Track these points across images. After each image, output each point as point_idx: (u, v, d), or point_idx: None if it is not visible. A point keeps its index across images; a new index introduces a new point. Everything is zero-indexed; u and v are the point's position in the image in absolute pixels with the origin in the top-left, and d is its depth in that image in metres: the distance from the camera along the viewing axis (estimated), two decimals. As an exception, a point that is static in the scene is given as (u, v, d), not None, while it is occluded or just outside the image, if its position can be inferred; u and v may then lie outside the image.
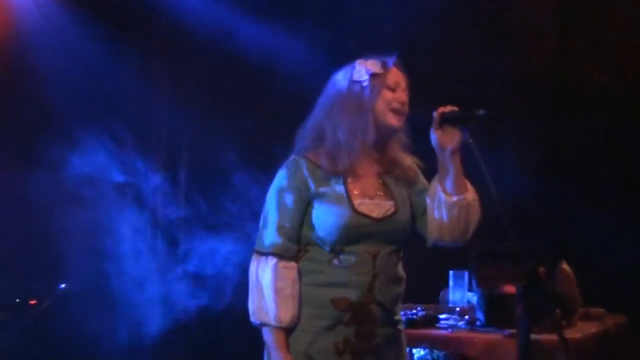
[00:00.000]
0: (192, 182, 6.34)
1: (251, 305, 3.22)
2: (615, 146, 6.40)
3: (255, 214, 4.79)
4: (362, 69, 3.25)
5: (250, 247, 3.32)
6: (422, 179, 3.37)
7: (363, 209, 3.20)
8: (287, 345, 3.19)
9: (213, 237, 5.97)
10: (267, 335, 3.20)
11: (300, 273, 3.23)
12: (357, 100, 3.23)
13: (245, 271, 3.26)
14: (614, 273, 6.09)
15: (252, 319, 3.23)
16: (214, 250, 5.96)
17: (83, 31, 5.83)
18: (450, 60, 6.30)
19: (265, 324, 3.19)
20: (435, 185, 3.27)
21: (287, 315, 3.17)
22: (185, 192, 6.35)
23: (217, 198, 5.94)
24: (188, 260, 6.14)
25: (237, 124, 6.07)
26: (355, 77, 3.25)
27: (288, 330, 3.20)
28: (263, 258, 3.22)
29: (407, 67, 3.33)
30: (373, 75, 3.24)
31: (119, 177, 5.96)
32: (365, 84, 3.24)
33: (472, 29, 6.34)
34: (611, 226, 6.35)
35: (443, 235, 3.27)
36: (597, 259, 6.10)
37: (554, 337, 3.89)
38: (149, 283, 6.12)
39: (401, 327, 3.36)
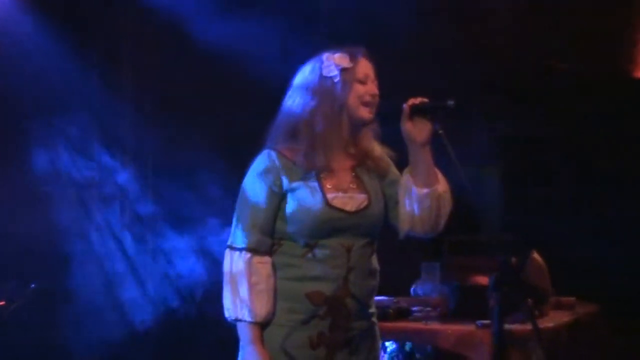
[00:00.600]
0: (159, 180, 6.30)
1: (226, 301, 3.20)
2: (581, 137, 6.44)
3: (223, 210, 4.77)
4: (332, 64, 3.23)
5: (219, 245, 3.29)
6: (393, 169, 3.35)
7: (336, 202, 3.19)
8: (262, 340, 3.18)
9: (181, 235, 5.94)
10: (242, 331, 3.18)
11: (274, 267, 3.21)
12: (329, 96, 3.21)
13: (214, 269, 3.23)
14: (583, 262, 6.13)
15: (227, 314, 3.21)
16: (182, 249, 5.93)
17: (45, 30, 5.77)
18: (414, 51, 6.30)
19: (239, 320, 3.18)
20: (406, 176, 3.26)
21: (262, 310, 3.16)
22: (153, 190, 6.31)
23: (185, 195, 5.91)
24: (157, 258, 6.10)
25: (205, 120, 6.04)
26: (325, 73, 3.23)
27: (263, 325, 3.19)
28: (237, 253, 3.20)
29: (373, 56, 3.31)
30: (343, 70, 3.22)
31: (84, 175, 5.91)
32: (336, 79, 3.22)
33: (436, 17, 6.35)
34: (579, 216, 6.40)
35: (415, 227, 3.26)
36: (565, 248, 6.14)
37: (527, 327, 3.90)
38: (118, 282, 6.08)
39: (375, 319, 3.35)
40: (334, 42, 3.34)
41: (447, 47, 6.34)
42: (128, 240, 6.23)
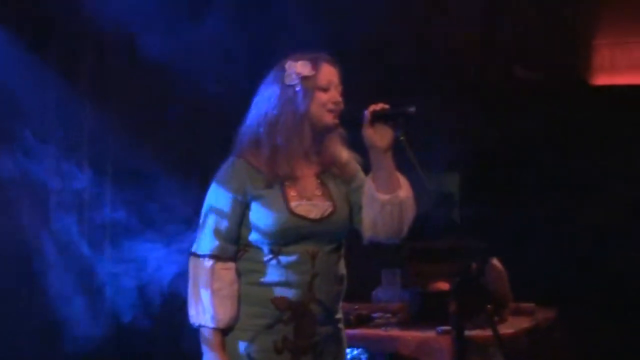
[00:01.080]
0: (118, 187, 6.24)
1: (190, 307, 3.23)
2: (539, 143, 6.49)
3: (184, 218, 4.73)
4: (293, 72, 3.23)
5: (180, 254, 3.30)
6: (360, 175, 3.36)
7: (300, 210, 3.20)
8: (223, 347, 3.20)
9: (141, 244, 5.88)
10: (204, 337, 3.21)
11: (239, 273, 3.23)
12: (291, 105, 3.21)
13: (176, 279, 3.23)
14: (543, 267, 6.17)
15: (191, 321, 3.23)
16: (142, 257, 5.87)
17: (2, 35, 5.71)
18: (375, 55, 6.31)
19: (202, 325, 3.20)
20: (369, 182, 3.27)
21: (224, 316, 3.18)
22: (112, 197, 6.25)
23: (145, 203, 5.86)
24: (116, 266, 6.04)
25: (165, 126, 6.00)
26: (287, 81, 3.23)
27: (226, 331, 3.20)
28: (200, 260, 3.22)
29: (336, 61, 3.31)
30: (304, 78, 3.22)
31: (42, 181, 5.85)
32: (297, 88, 3.22)
33: (400, 23, 6.36)
34: (538, 222, 6.44)
35: (377, 233, 3.27)
36: (524, 253, 6.19)
37: (487, 332, 3.92)
38: (76, 291, 6.01)
39: (342, 325, 3.36)
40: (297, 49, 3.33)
41: (410, 55, 6.36)
42: (85, 248, 6.17)
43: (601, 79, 6.75)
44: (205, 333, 3.20)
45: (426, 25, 6.39)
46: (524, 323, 4.74)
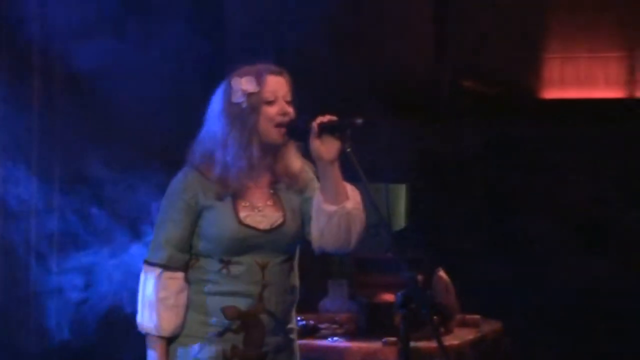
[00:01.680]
0: (66, 195, 6.16)
1: (138, 315, 3.26)
2: (488, 156, 6.53)
3: (132, 228, 4.69)
4: (238, 89, 3.24)
5: (126, 266, 3.30)
6: (313, 184, 3.35)
7: (249, 221, 3.22)
8: (166, 354, 3.23)
9: (89, 254, 5.82)
10: (149, 344, 3.24)
11: (189, 282, 3.24)
12: (237, 122, 3.22)
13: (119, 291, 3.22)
14: (488, 280, 6.21)
15: (139, 328, 3.26)
16: (88, 268, 5.80)
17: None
18: (324, 66, 6.32)
19: (147, 333, 3.23)
20: (317, 194, 3.27)
21: (169, 325, 3.21)
22: (60, 206, 6.17)
23: (93, 212, 5.80)
24: (62, 279, 5.96)
25: (115, 134, 5.94)
26: (233, 99, 3.24)
27: (170, 339, 3.23)
28: (150, 268, 3.24)
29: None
30: (249, 95, 3.23)
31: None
32: (243, 105, 3.22)
33: (348, 34, 6.38)
34: (485, 234, 6.49)
35: (325, 244, 3.27)
36: (470, 265, 6.22)
37: (433, 344, 3.94)
38: (19, 304, 5.91)
39: (294, 336, 3.37)
40: (242, 59, 3.33)
41: (358, 65, 6.38)
42: (32, 261, 6.08)
43: (551, 93, 6.82)
44: (150, 341, 3.23)
45: (378, 38, 6.43)
46: (469, 334, 4.77)
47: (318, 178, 3.31)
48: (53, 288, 5.89)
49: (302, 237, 3.31)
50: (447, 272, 4.98)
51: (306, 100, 3.33)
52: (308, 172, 3.36)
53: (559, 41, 6.81)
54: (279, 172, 3.31)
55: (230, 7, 6.52)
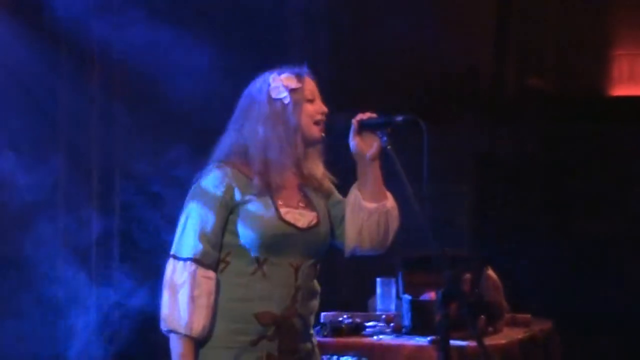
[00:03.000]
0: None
1: (163, 311, 3.15)
2: (552, 155, 6.47)
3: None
4: (280, 86, 3.22)
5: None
6: (336, 192, 3.36)
7: (289, 217, 3.19)
8: (194, 357, 3.14)
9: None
10: (174, 344, 3.14)
11: (218, 285, 3.17)
12: (281, 118, 3.20)
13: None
14: (542, 279, 6.16)
15: (162, 325, 3.16)
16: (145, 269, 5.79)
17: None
18: (385, 63, 6.32)
19: (174, 331, 3.13)
20: (354, 192, 3.26)
21: (199, 325, 3.11)
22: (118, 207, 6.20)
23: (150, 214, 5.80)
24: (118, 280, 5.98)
25: (173, 130, 5.96)
26: (275, 95, 3.22)
27: (197, 342, 3.14)
28: (181, 263, 3.15)
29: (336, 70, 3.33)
30: (292, 91, 3.22)
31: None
32: (286, 101, 3.21)
33: (407, 30, 6.36)
34: (540, 233, 6.42)
35: (362, 243, 3.26)
36: (529, 266, 6.17)
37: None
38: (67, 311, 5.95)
39: (315, 342, 3.34)
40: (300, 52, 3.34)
41: (425, 63, 6.37)
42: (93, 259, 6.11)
43: (618, 90, 6.72)
44: (176, 340, 3.13)
45: (441, 37, 6.39)
46: (518, 334, 4.72)
47: (336, 186, 3.32)
48: (109, 289, 5.95)
49: (330, 241, 3.30)
50: (500, 271, 4.94)
51: (366, 97, 3.33)
52: (330, 179, 3.35)
53: (627, 38, 6.71)
54: (306, 174, 3.30)
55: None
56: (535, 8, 6.53)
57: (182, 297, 3.11)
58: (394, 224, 3.26)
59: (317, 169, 3.32)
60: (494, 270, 4.95)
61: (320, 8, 6.48)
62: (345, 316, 4.76)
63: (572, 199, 6.45)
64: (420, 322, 4.49)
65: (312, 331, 3.30)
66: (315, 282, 3.28)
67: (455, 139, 6.29)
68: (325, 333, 4.51)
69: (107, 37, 5.90)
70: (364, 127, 3.21)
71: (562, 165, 6.46)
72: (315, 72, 3.32)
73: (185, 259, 3.15)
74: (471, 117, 6.44)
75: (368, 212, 3.23)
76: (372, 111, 3.25)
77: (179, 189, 3.41)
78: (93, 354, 5.74)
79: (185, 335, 3.11)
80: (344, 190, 3.35)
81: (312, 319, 3.27)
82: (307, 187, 3.30)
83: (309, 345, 3.26)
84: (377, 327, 4.74)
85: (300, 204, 3.25)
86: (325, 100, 3.32)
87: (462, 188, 6.55)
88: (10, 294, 5.53)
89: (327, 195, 3.33)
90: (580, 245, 6.42)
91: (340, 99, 3.51)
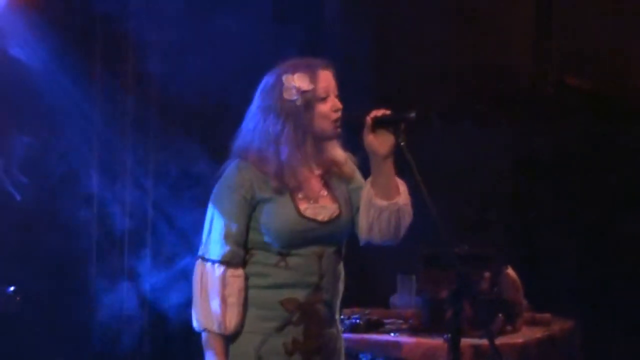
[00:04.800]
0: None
1: (195, 311, 3.23)
2: (588, 153, 6.43)
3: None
4: (292, 86, 3.23)
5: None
6: (358, 175, 3.37)
7: (309, 213, 3.22)
8: (226, 353, 3.20)
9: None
10: (207, 341, 3.21)
11: (246, 277, 3.22)
12: (291, 119, 3.22)
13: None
14: (582, 278, 6.12)
15: (195, 324, 3.24)
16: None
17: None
18: (425, 61, 6.32)
19: (207, 330, 3.20)
20: (367, 187, 3.27)
21: (231, 323, 3.19)
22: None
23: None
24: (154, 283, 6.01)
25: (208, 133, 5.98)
26: (286, 96, 3.23)
27: (230, 337, 3.21)
28: (209, 265, 3.21)
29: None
30: (304, 92, 3.22)
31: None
32: (298, 102, 3.22)
33: (453, 31, 6.36)
34: (579, 232, 6.38)
35: (373, 237, 3.28)
36: (566, 265, 6.15)
37: (498, 341, 3.88)
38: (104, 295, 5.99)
39: (340, 328, 3.37)
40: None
41: (463, 62, 6.36)
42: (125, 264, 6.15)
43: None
44: (210, 339, 3.20)
45: (482, 35, 6.38)
46: (536, 333, 4.71)
47: (360, 168, 3.32)
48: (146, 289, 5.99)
49: (351, 228, 3.31)
50: (539, 272, 4.93)
51: (405, 98, 3.32)
52: (351, 162, 3.36)
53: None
54: (327, 162, 3.31)
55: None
56: (574, 7, 6.48)
57: (213, 297, 3.18)
58: (406, 220, 3.27)
59: (337, 154, 3.33)
60: (526, 270, 4.94)
61: (361, 10, 6.49)
62: (363, 313, 4.78)
63: (611, 198, 6.39)
64: (437, 320, 4.48)
65: (337, 317, 3.33)
66: (340, 266, 3.32)
67: (493, 138, 6.28)
68: (343, 329, 4.51)
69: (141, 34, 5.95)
70: (377, 123, 3.20)
71: (601, 165, 6.40)
72: (353, 73, 3.29)
73: (213, 261, 3.22)
74: (510, 116, 6.42)
75: (379, 210, 3.24)
76: (386, 108, 3.25)
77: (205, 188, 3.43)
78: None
79: (218, 334, 3.19)
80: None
81: (337, 304, 3.31)
82: (328, 176, 3.31)
83: (334, 330, 3.29)
84: (395, 324, 4.74)
85: (322, 193, 3.28)
86: (363, 100, 3.31)
87: (500, 187, 6.53)
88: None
89: (348, 181, 3.34)
90: (619, 244, 6.36)
91: (379, 101, 3.49)
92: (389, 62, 6.42)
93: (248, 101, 3.34)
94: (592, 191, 6.41)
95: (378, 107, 3.22)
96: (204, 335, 3.22)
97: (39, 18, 5.44)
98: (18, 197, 5.39)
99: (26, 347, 5.42)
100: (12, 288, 5.30)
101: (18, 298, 5.25)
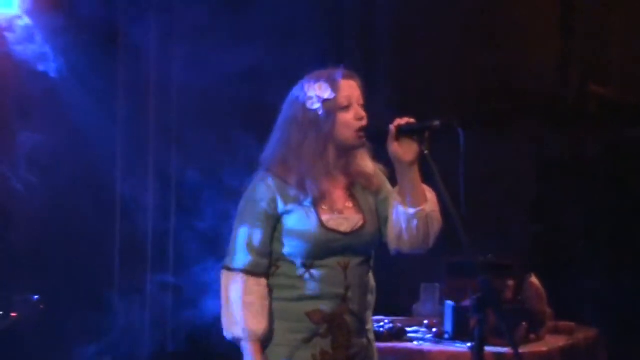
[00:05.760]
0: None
1: (223, 321, 3.27)
2: (612, 161, 6.41)
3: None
4: (314, 96, 3.25)
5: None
6: (387, 186, 3.37)
7: (332, 224, 3.23)
8: (263, 355, 3.23)
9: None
10: (243, 348, 3.24)
11: (271, 289, 3.26)
12: (313, 128, 3.24)
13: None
14: (604, 286, 6.10)
15: (225, 334, 3.27)
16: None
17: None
18: (448, 69, 6.33)
19: (236, 338, 3.23)
20: (395, 196, 3.29)
21: (256, 328, 3.21)
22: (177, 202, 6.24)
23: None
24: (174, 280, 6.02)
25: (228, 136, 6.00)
26: (308, 105, 3.25)
27: (262, 342, 3.23)
28: (232, 275, 3.25)
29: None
30: (325, 101, 3.24)
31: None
32: (319, 112, 3.24)
33: (474, 36, 6.37)
34: (601, 239, 6.36)
35: (402, 246, 3.29)
36: (586, 272, 6.12)
37: (521, 350, 3.87)
38: (132, 301, 6.01)
39: (372, 336, 3.38)
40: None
41: (485, 68, 6.37)
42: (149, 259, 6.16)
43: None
44: (243, 344, 3.23)
45: (504, 41, 6.38)
46: (560, 342, 4.70)
47: (389, 180, 3.33)
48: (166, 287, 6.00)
49: (380, 239, 3.32)
50: (560, 279, 4.92)
51: (429, 104, 3.32)
52: (381, 174, 3.38)
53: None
54: (354, 173, 3.33)
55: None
56: (598, 15, 6.47)
57: (236, 306, 3.22)
58: (435, 227, 3.28)
59: (366, 166, 3.35)
60: (548, 278, 4.93)
61: (380, 16, 6.51)
62: (386, 321, 4.78)
63: (632, 205, 6.37)
64: (462, 328, 4.48)
65: (369, 326, 3.34)
66: (370, 277, 3.33)
67: (516, 144, 6.27)
68: (371, 334, 4.51)
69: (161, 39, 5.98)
70: (401, 132, 3.22)
71: (623, 171, 6.39)
72: (374, 78, 3.30)
73: (236, 270, 3.25)
74: (533, 122, 6.41)
75: (407, 217, 3.25)
76: (410, 116, 3.26)
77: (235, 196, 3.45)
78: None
79: (249, 339, 3.21)
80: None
81: (367, 315, 3.31)
82: (354, 187, 3.33)
83: (364, 341, 3.30)
84: (419, 333, 4.74)
85: (347, 205, 3.29)
86: (385, 108, 3.32)
87: (521, 194, 6.52)
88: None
89: (377, 193, 3.35)
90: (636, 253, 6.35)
91: (399, 109, 3.50)
92: (407, 70, 6.43)
93: (276, 110, 3.36)
94: (615, 198, 6.39)
95: (399, 117, 3.24)
96: (239, 344, 3.24)
97: (60, 19, 5.49)
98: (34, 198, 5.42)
99: (50, 354, 5.46)
100: (36, 297, 5.35)
101: (42, 306, 5.29)
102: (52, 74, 5.41)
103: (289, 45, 5.78)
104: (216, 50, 5.64)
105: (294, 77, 3.37)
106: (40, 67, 5.38)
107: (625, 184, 6.40)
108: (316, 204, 3.24)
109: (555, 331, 4.91)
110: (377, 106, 3.41)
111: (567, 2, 6.57)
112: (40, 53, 5.39)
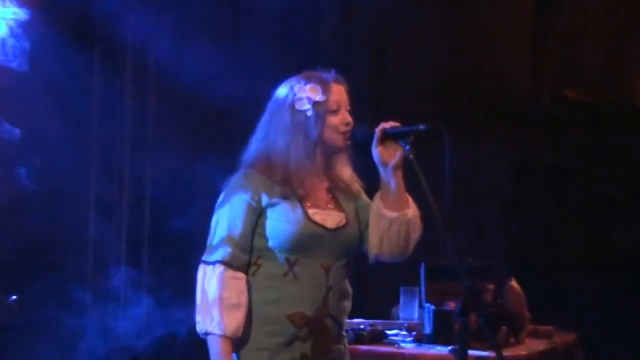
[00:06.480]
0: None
1: (197, 315, 3.20)
2: (584, 164, 6.44)
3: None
4: (303, 98, 3.24)
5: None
6: (364, 195, 3.38)
7: (317, 218, 3.22)
8: (231, 355, 3.17)
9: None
10: (211, 345, 3.17)
11: (249, 286, 3.21)
12: (302, 130, 3.23)
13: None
14: (578, 290, 6.13)
15: (198, 329, 3.20)
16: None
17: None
18: (422, 72, 6.34)
19: (209, 333, 3.16)
20: (377, 200, 3.28)
21: (232, 323, 3.14)
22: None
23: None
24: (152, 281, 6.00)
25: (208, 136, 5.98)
26: (297, 107, 3.24)
27: (234, 341, 3.17)
28: (209, 267, 3.19)
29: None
30: (315, 103, 3.23)
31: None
32: (309, 113, 3.23)
33: (447, 41, 6.38)
34: (576, 243, 6.40)
35: (382, 251, 3.27)
36: (562, 277, 6.16)
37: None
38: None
39: (347, 343, 3.37)
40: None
41: (460, 73, 6.38)
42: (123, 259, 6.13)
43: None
44: (213, 341, 3.15)
45: (478, 48, 6.40)
46: (539, 346, 4.71)
47: (364, 189, 3.34)
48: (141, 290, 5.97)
49: (360, 243, 3.31)
50: (535, 283, 4.94)
51: (403, 109, 3.33)
52: (357, 182, 3.38)
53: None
54: (334, 177, 3.33)
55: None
56: (572, 21, 6.52)
57: (212, 299, 3.15)
58: (416, 233, 3.27)
59: (345, 171, 3.34)
60: (524, 281, 4.95)
61: (358, 23, 6.52)
62: (367, 323, 4.78)
63: (607, 209, 6.41)
64: (442, 331, 4.49)
65: (344, 332, 3.33)
66: (347, 283, 3.30)
67: (491, 149, 6.29)
68: (346, 340, 4.51)
69: (141, 41, 5.95)
70: (387, 136, 3.22)
71: (598, 176, 6.43)
72: (351, 84, 3.31)
73: (213, 262, 3.19)
74: (507, 127, 6.44)
75: (389, 222, 3.24)
76: (395, 120, 3.26)
77: (212, 194, 3.42)
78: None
79: (220, 336, 3.14)
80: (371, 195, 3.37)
81: (344, 320, 3.30)
82: (335, 189, 3.32)
83: (341, 346, 3.29)
84: (399, 336, 4.74)
85: (329, 205, 3.28)
86: (362, 112, 3.33)
87: (497, 198, 6.54)
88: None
89: (356, 198, 3.35)
90: (616, 255, 6.38)
91: (376, 113, 3.51)
92: (384, 76, 6.45)
93: (253, 108, 3.35)
94: (590, 201, 6.43)
95: (377, 122, 3.24)
96: (207, 339, 3.17)
97: (41, 15, 5.46)
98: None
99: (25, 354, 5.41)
100: (14, 297, 5.30)
101: (16, 307, 5.24)
102: (23, 69, 5.38)
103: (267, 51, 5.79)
104: (194, 52, 5.64)
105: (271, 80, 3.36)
106: (11, 63, 5.34)
107: (599, 186, 6.44)
108: (301, 200, 3.22)
109: (534, 335, 4.93)
110: (354, 113, 3.40)
111: (541, 9, 6.61)
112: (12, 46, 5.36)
